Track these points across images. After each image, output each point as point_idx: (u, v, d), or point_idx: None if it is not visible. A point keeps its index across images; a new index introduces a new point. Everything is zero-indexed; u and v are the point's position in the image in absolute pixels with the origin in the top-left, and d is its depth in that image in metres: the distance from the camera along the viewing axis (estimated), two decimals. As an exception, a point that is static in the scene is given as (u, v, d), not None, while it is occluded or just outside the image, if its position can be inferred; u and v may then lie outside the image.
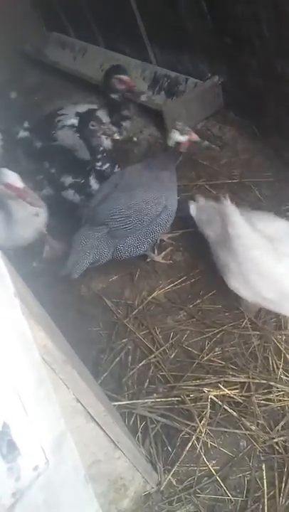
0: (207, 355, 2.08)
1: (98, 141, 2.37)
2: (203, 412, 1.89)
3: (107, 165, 2.41)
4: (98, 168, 2.40)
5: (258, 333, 2.10)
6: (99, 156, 2.39)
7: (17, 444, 0.88)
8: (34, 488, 0.90)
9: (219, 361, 2.05)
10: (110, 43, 4.11)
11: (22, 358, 0.92)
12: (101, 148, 2.39)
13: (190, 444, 1.83)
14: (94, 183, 2.46)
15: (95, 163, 2.40)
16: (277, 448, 1.78)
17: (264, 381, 1.92)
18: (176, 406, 1.94)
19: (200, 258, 2.49)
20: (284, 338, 2.06)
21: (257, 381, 1.93)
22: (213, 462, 1.81)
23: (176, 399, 1.96)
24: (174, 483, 1.78)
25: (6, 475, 0.86)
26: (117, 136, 2.44)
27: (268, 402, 1.88)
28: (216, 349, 2.10)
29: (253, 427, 1.83)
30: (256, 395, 1.90)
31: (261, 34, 2.63)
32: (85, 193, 2.49)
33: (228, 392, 1.91)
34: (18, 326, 0.91)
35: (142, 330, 2.27)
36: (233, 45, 2.89)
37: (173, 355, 2.14)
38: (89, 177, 2.46)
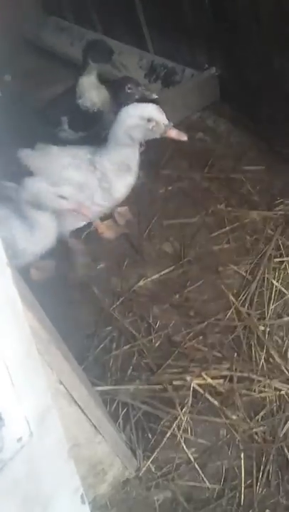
0: (191, 344, 2.10)
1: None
2: (184, 400, 1.90)
3: None
4: None
5: (242, 323, 2.11)
6: None
7: (1, 414, 0.88)
8: (17, 459, 0.91)
9: (203, 351, 2.06)
10: (108, 30, 4.06)
11: (11, 328, 0.91)
12: None
13: (170, 431, 1.85)
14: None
15: None
16: (257, 438, 1.80)
17: (246, 373, 1.94)
18: (158, 393, 1.95)
19: (188, 248, 2.50)
20: (267, 329, 2.07)
21: (239, 371, 1.95)
22: (193, 450, 1.82)
23: (159, 386, 1.97)
24: (153, 469, 1.79)
25: (-11, 444, 0.86)
26: (154, 96, 2.44)
27: (249, 393, 1.90)
28: (200, 338, 2.12)
29: (234, 417, 1.85)
30: (238, 385, 1.91)
31: (260, 27, 2.63)
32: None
33: (211, 381, 1.93)
34: (8, 296, 0.90)
35: (127, 318, 2.27)
36: (232, 37, 2.88)
37: (158, 343, 2.15)
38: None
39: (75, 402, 1.42)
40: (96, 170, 2.22)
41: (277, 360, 1.96)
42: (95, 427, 1.53)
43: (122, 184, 2.29)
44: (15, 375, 0.90)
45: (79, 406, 1.44)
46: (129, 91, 2.37)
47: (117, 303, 2.34)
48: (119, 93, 2.39)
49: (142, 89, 2.39)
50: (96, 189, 2.27)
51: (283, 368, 1.94)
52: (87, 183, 2.24)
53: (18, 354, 0.93)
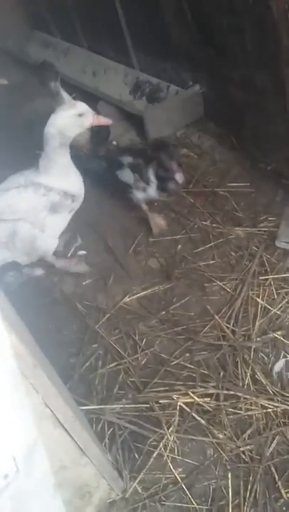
0: (177, 362, 2.09)
1: None
2: (171, 419, 1.89)
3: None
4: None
5: (226, 343, 2.11)
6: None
7: (-14, 452, 0.86)
8: (3, 497, 0.88)
9: (189, 368, 2.05)
10: (94, 46, 4.09)
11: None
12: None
13: (157, 451, 1.83)
14: (152, 176, 2.53)
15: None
16: (244, 457, 1.79)
17: (232, 391, 1.94)
18: (144, 413, 1.94)
19: (174, 265, 2.50)
20: (253, 347, 2.08)
21: (226, 389, 1.94)
22: (180, 470, 1.80)
23: (145, 405, 1.95)
24: (140, 490, 1.77)
25: (-25, 484, 0.84)
26: (179, 178, 2.48)
27: (236, 411, 1.89)
28: (187, 356, 2.11)
29: (221, 436, 1.84)
30: (224, 404, 1.91)
31: (244, 47, 2.67)
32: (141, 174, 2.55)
33: (198, 399, 1.92)
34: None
35: (113, 335, 2.26)
36: (216, 56, 2.92)
37: (144, 361, 2.14)
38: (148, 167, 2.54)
39: (61, 424, 1.40)
40: None
41: (263, 377, 1.97)
42: (81, 448, 1.51)
43: None
44: (0, 412, 0.88)
45: (64, 428, 1.41)
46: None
47: (103, 320, 2.33)
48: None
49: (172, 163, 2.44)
50: None
51: (269, 385, 1.94)
52: None
53: (3, 391, 0.90)
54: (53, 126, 2.07)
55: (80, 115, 2.08)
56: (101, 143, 2.62)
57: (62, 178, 2.21)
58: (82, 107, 2.09)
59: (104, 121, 2.19)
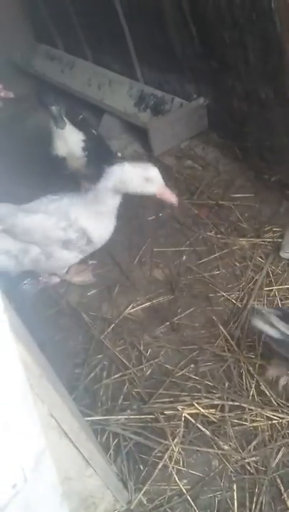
0: (182, 373, 2.09)
1: None
2: (176, 430, 1.89)
3: None
4: None
5: (231, 355, 2.11)
6: None
7: (-4, 461, 0.87)
8: (11, 506, 0.88)
9: (194, 379, 2.05)
10: (98, 58, 4.15)
11: (6, 374, 0.90)
12: None
13: (162, 462, 1.82)
14: None
15: None
16: (249, 468, 1.78)
17: (237, 402, 1.93)
18: (149, 424, 1.93)
19: (179, 275, 2.51)
20: (259, 359, 2.07)
21: (231, 400, 1.94)
22: (185, 481, 1.80)
23: (150, 416, 1.95)
24: (145, 502, 1.76)
25: (-16, 493, 0.84)
26: None
27: (241, 422, 1.89)
28: (192, 367, 2.11)
29: (226, 447, 1.84)
30: (230, 415, 1.91)
31: (247, 60, 2.71)
32: None
33: (202, 410, 1.92)
34: (4, 342, 0.90)
35: (118, 345, 2.27)
36: (219, 68, 2.96)
37: (148, 372, 2.14)
38: None
39: (66, 435, 1.40)
40: None
41: (268, 389, 1.96)
42: (86, 459, 1.51)
43: None
44: (10, 421, 0.89)
45: (70, 439, 1.42)
46: None
47: (108, 330, 2.33)
48: None
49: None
50: None
51: (274, 397, 1.94)
52: None
53: (12, 400, 0.91)
54: (121, 172, 2.03)
55: (148, 180, 2.02)
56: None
57: (92, 217, 2.20)
58: (153, 172, 2.02)
59: (169, 197, 2.07)
